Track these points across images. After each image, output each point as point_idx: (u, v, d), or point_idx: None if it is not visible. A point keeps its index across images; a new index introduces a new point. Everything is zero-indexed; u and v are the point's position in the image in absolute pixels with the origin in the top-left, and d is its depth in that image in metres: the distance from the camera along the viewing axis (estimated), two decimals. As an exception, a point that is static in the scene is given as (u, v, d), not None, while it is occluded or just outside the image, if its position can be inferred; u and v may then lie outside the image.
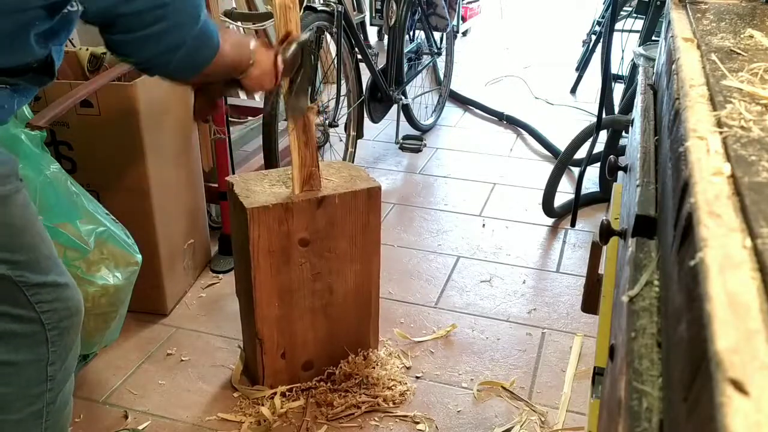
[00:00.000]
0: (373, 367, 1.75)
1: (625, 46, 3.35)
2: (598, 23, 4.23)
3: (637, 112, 1.12)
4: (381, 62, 3.07)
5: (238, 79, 1.22)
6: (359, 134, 2.91)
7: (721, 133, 0.58)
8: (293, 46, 1.39)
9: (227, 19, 2.60)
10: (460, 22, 4.83)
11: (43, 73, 1.01)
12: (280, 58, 1.29)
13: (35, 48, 0.96)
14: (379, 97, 3.03)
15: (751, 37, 0.93)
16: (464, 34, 5.64)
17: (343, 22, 2.52)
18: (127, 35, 0.96)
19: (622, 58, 3.42)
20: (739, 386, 0.31)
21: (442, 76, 3.81)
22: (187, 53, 1.02)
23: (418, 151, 3.21)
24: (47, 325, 1.12)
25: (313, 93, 1.49)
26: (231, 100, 2.60)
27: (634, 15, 3.39)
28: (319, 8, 2.42)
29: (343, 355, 1.75)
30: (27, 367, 1.13)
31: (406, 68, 3.21)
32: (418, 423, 1.63)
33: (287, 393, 1.71)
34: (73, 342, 1.20)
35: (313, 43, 1.44)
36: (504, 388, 1.75)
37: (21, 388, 1.14)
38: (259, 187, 1.60)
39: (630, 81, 2.84)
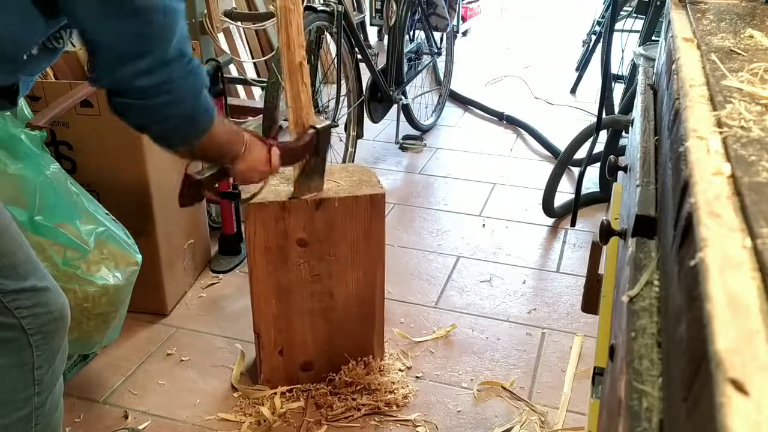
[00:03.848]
0: (374, 375, 1.73)
1: (625, 46, 3.35)
2: (598, 23, 4.24)
3: (637, 112, 1.12)
4: (381, 62, 3.07)
5: (227, 169, 1.25)
6: (359, 134, 2.91)
7: (721, 133, 0.58)
8: (309, 132, 1.44)
9: (227, 19, 2.60)
10: (460, 22, 4.83)
11: (4, 98, 1.02)
12: (275, 152, 1.31)
13: (2, 75, 0.98)
14: (379, 97, 3.03)
15: (751, 37, 0.93)
16: (464, 34, 5.64)
17: (343, 22, 2.52)
18: (131, 101, 1.00)
19: (622, 58, 3.42)
20: (739, 386, 0.31)
21: (442, 76, 3.81)
22: (181, 123, 1.06)
23: (418, 151, 3.21)
24: (29, 330, 1.11)
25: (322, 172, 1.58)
26: (231, 100, 2.60)
27: (634, 15, 3.39)
28: (319, 8, 2.42)
29: (344, 361, 1.74)
30: (11, 372, 1.12)
31: (406, 68, 3.21)
32: (418, 426, 1.63)
33: (287, 393, 1.71)
34: (60, 345, 1.18)
35: (330, 129, 1.53)
36: (504, 388, 1.75)
37: (6, 393, 1.13)
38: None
39: (630, 81, 2.84)
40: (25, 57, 0.99)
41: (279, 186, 1.60)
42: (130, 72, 0.95)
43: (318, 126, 1.47)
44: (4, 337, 1.09)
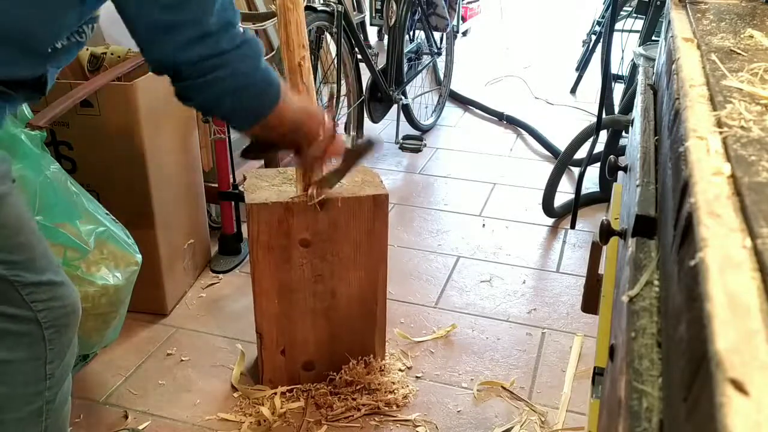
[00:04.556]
0: (375, 374, 1.73)
1: (625, 46, 3.35)
2: (598, 23, 4.24)
3: (637, 112, 1.12)
4: (381, 62, 3.07)
5: (298, 149, 1.20)
6: (359, 134, 2.91)
7: (721, 133, 0.58)
8: (365, 141, 1.46)
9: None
10: (460, 22, 4.83)
11: (34, 90, 1.02)
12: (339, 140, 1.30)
13: (32, 66, 0.97)
14: (379, 97, 3.03)
15: (751, 37, 0.93)
16: (464, 34, 5.64)
17: (343, 22, 2.52)
18: (191, 81, 0.98)
19: (622, 58, 3.42)
20: (739, 386, 0.31)
21: (442, 76, 3.81)
22: (245, 99, 1.02)
23: (418, 151, 3.21)
24: (44, 323, 1.12)
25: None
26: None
27: (634, 15, 3.38)
28: (319, 8, 2.42)
29: (345, 360, 1.74)
30: (25, 365, 1.13)
31: (406, 68, 3.21)
32: (418, 426, 1.63)
33: (287, 393, 1.71)
34: (71, 340, 1.20)
35: (372, 147, 1.53)
36: (504, 388, 1.75)
37: (19, 387, 1.14)
38: (268, 184, 1.61)
39: (630, 81, 2.84)
40: (50, 50, 0.99)
41: (281, 186, 1.60)
42: (173, 44, 0.93)
43: (374, 140, 1.50)
44: (19, 331, 1.10)
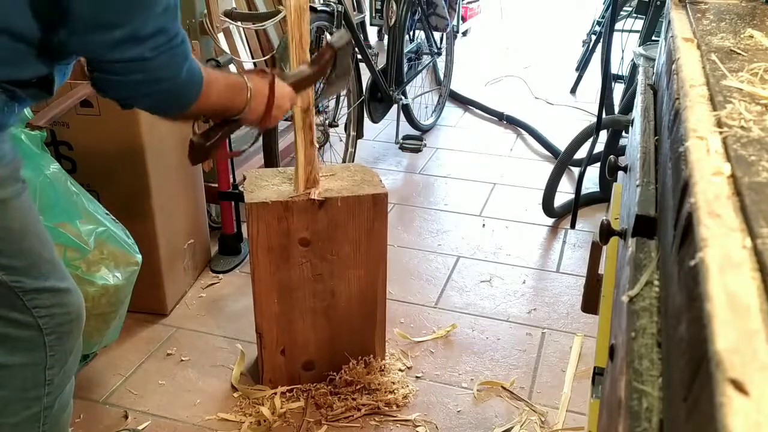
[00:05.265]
0: (375, 374, 1.73)
1: (625, 46, 3.35)
2: (598, 23, 4.24)
3: (637, 112, 1.12)
4: (381, 62, 3.07)
5: (237, 120, 1.19)
6: (359, 134, 2.91)
7: (721, 133, 0.58)
8: (327, 53, 1.37)
9: (227, 19, 2.59)
10: (460, 22, 4.83)
11: (41, 88, 1.01)
12: (280, 86, 1.24)
13: (36, 65, 0.97)
14: (379, 97, 3.03)
15: (751, 37, 0.93)
16: (464, 34, 5.64)
17: (343, 22, 2.52)
18: (108, 76, 0.97)
19: (622, 58, 3.42)
20: (739, 386, 0.31)
21: (442, 76, 3.81)
22: (163, 100, 1.02)
23: (418, 151, 3.21)
24: (45, 329, 1.11)
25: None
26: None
27: (634, 15, 3.39)
28: (319, 8, 2.42)
29: (345, 360, 1.74)
30: (24, 370, 1.12)
31: (406, 68, 3.21)
32: (418, 426, 1.63)
33: (287, 393, 1.71)
34: (74, 346, 1.19)
35: (350, 44, 1.43)
36: (504, 388, 1.75)
37: (17, 392, 1.13)
38: (267, 183, 1.61)
39: (630, 81, 2.84)
40: (53, 48, 0.98)
41: (281, 186, 1.60)
42: (100, 41, 0.92)
43: (335, 45, 1.37)
44: (20, 336, 1.10)
